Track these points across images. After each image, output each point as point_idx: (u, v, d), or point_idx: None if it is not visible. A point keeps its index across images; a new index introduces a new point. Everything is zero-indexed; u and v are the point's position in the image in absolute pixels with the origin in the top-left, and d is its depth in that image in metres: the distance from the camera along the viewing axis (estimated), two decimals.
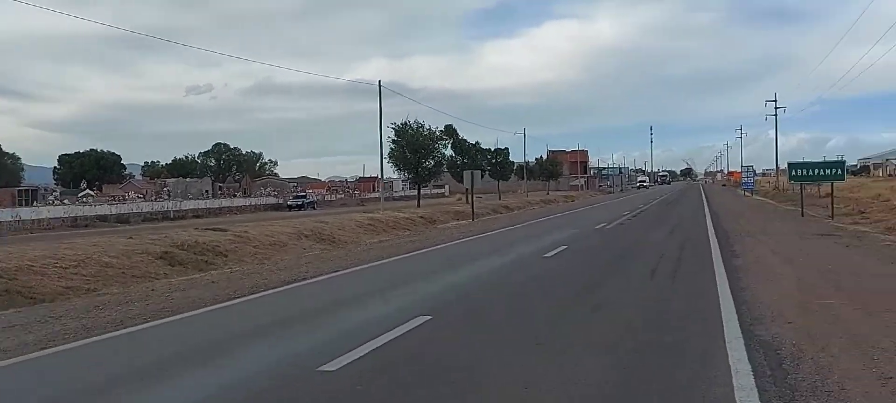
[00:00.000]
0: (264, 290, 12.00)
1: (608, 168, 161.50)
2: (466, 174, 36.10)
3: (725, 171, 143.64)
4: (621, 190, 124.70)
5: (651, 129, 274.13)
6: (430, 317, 8.76)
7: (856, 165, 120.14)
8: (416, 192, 63.03)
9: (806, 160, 29.97)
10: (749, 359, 6.53)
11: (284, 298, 11.39)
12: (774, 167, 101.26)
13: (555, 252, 17.18)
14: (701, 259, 14.93)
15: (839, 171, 27.74)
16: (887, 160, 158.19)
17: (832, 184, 28.30)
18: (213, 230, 22.13)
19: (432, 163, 59.13)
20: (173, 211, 57.07)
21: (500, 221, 35.35)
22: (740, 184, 68.61)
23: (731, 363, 6.42)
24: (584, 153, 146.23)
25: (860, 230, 22.75)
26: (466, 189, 42.50)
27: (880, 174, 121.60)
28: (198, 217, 53.49)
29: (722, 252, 15.92)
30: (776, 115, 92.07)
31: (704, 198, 58.25)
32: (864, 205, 42.56)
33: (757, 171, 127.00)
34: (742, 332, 7.62)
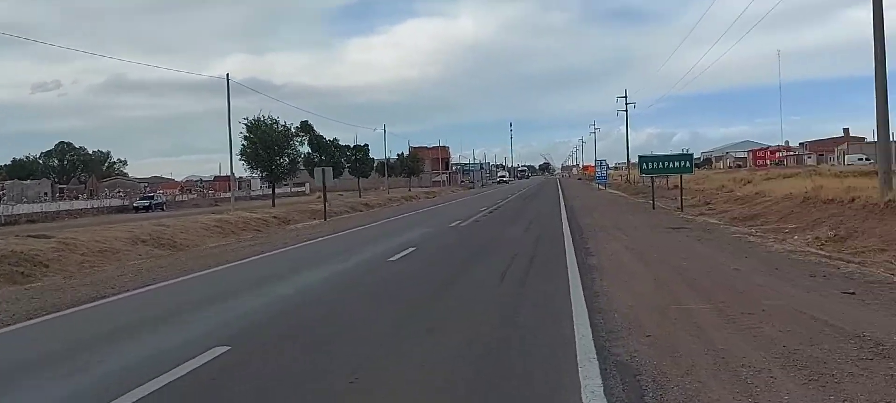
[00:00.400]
0: (36, 317, 9.74)
1: (469, 164, 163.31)
2: (318, 171, 34.15)
3: (580, 166, 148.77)
4: (482, 185, 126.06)
5: (511, 125, 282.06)
6: (228, 348, 7.04)
7: (699, 158, 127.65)
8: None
9: (655, 153, 30.34)
10: (605, 391, 5.32)
11: (56, 326, 9.23)
12: (626, 161, 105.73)
13: (402, 254, 15.76)
14: (555, 258, 14.00)
15: (687, 164, 28.18)
16: (727, 153, 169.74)
17: (681, 176, 28.75)
18: (36, 237, 19.32)
19: (287, 160, 56.67)
20: (3, 216, 51.31)
21: (355, 220, 33.70)
22: (594, 177, 70.48)
23: (584, 398, 5.20)
24: (446, 149, 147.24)
25: (709, 222, 22.96)
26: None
27: (721, 166, 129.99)
28: (32, 222, 48.21)
29: (576, 250, 15.12)
30: (627, 111, 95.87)
31: (561, 192, 59.13)
32: (708, 197, 44.30)
33: (610, 165, 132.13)
34: (596, 351, 6.46)
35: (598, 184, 65.54)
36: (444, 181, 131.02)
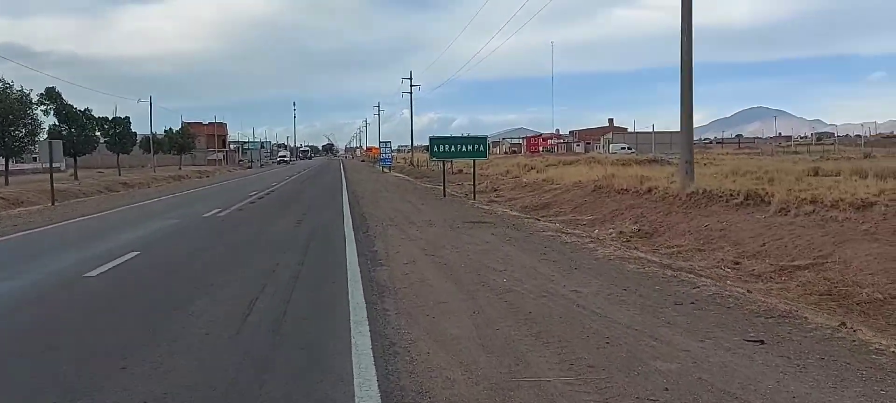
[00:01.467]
0: None
1: (249, 142, 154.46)
2: (43, 144, 27.44)
3: (364, 147, 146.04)
4: (261, 165, 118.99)
5: (294, 105, 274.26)
6: None
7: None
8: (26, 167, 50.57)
9: (447, 135, 27.42)
10: None
11: None
12: (410, 143, 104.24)
13: (109, 267, 10.87)
14: (331, 272, 10.08)
15: (481, 148, 25.61)
16: (503, 139, 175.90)
17: (474, 161, 26.17)
18: None
19: (24, 132, 47.59)
20: None
21: (96, 204, 27.42)
22: (378, 159, 67.51)
23: None
24: (223, 126, 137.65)
25: (510, 214, 20.39)
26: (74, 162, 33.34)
27: (497, 151, 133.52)
28: None
29: (360, 256, 11.36)
30: (411, 92, 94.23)
31: (343, 174, 55.40)
32: (495, 183, 42.83)
33: (394, 148, 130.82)
34: None
35: (383, 166, 62.59)
36: (220, 160, 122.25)
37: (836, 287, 9.90)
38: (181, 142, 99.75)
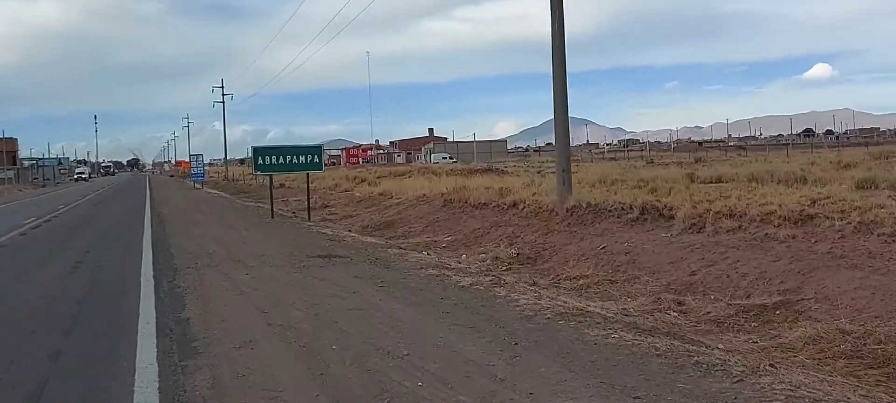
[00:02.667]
0: None
1: (44, 159, 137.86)
2: None
3: (173, 161, 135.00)
4: (56, 183, 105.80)
5: (96, 118, 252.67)
6: None
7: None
8: None
9: (273, 144, 22.93)
10: None
11: None
12: (223, 156, 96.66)
13: None
14: (107, 373, 5.80)
15: (316, 159, 21.51)
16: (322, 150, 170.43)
17: (307, 175, 22.00)
18: None
19: None
20: None
21: None
22: (189, 174, 60.69)
23: None
24: (13, 142, 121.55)
25: (362, 240, 16.51)
26: None
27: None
28: None
29: (160, 341, 6.96)
30: (223, 102, 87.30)
31: (148, 191, 48.52)
32: (324, 197, 38.58)
33: (206, 161, 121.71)
34: None
35: (195, 181, 56.03)
36: (10, 178, 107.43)
37: (856, 342, 7.14)
38: None
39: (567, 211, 17.09)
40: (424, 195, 28.86)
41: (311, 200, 38.16)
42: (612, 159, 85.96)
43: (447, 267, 11.75)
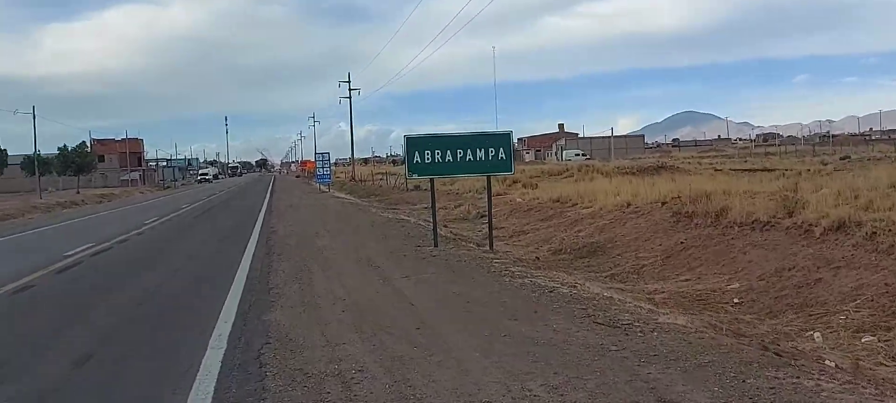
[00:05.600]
0: None
1: (171, 159, 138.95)
2: None
3: (299, 161, 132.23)
4: (179, 183, 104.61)
5: (226, 120, 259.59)
6: None
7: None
8: None
9: (436, 134, 14.79)
10: None
11: None
12: (350, 155, 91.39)
13: None
14: None
15: (504, 155, 13.55)
16: None
17: (488, 180, 14.09)
18: None
19: None
20: None
21: None
22: (314, 175, 54.73)
23: None
24: (138, 142, 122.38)
25: (618, 304, 8.45)
26: None
27: None
28: None
29: None
30: (350, 96, 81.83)
31: (269, 197, 42.59)
32: (472, 202, 30.96)
33: (332, 160, 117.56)
34: None
35: (320, 183, 49.86)
36: (136, 180, 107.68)
37: None
38: (78, 161, 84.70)
39: None
40: (628, 204, 20.54)
41: (453, 206, 30.66)
42: (766, 154, 74.33)
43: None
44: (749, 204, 15.04)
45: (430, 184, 14.93)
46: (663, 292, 11.98)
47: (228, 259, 13.54)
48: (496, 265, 11.33)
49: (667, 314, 8.37)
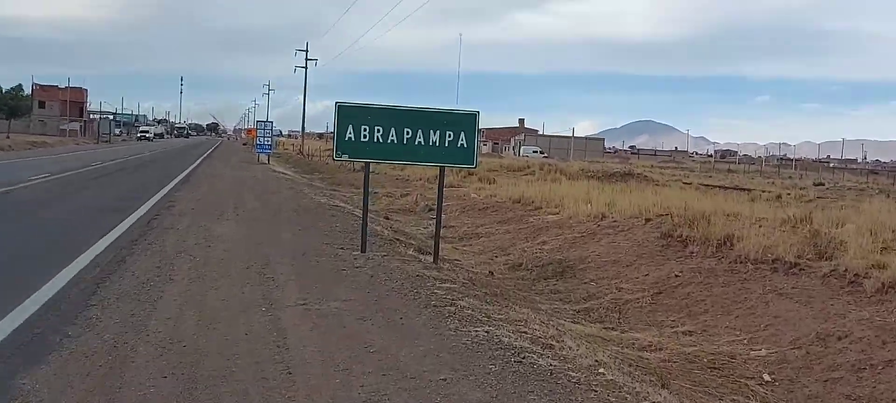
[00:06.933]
0: None
1: (117, 113, 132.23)
2: None
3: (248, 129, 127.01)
4: (119, 139, 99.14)
5: (181, 80, 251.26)
6: None
7: None
8: None
9: (368, 103, 11.21)
10: None
11: None
12: (301, 128, 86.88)
13: None
14: None
15: (464, 143, 10.17)
16: None
17: (442, 170, 10.70)
18: None
19: None
20: None
21: None
22: (255, 143, 50.58)
23: None
24: (81, 92, 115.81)
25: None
26: None
27: None
28: None
29: None
30: (306, 65, 77.55)
31: (198, 161, 38.57)
32: (421, 192, 27.61)
33: (282, 131, 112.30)
34: None
35: (260, 153, 45.84)
36: (75, 130, 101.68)
37: None
38: (11, 103, 78.81)
39: None
40: (603, 215, 17.43)
41: (399, 198, 27.16)
42: (728, 171, 72.41)
43: None
44: (764, 235, 12.01)
45: (364, 170, 11.39)
46: (660, 348, 8.82)
47: (80, 239, 9.94)
48: (439, 292, 7.96)
49: None
